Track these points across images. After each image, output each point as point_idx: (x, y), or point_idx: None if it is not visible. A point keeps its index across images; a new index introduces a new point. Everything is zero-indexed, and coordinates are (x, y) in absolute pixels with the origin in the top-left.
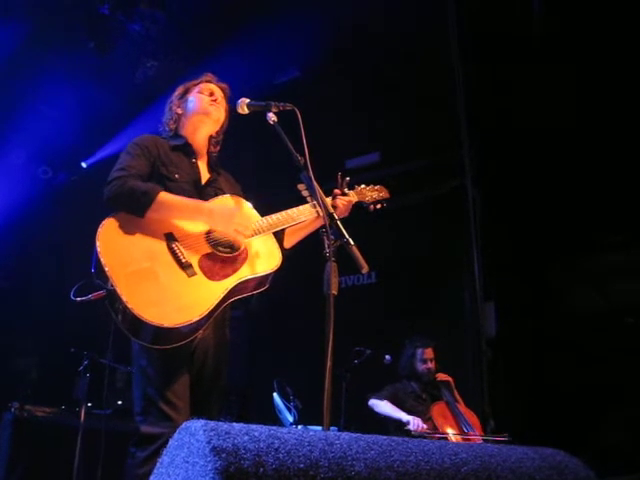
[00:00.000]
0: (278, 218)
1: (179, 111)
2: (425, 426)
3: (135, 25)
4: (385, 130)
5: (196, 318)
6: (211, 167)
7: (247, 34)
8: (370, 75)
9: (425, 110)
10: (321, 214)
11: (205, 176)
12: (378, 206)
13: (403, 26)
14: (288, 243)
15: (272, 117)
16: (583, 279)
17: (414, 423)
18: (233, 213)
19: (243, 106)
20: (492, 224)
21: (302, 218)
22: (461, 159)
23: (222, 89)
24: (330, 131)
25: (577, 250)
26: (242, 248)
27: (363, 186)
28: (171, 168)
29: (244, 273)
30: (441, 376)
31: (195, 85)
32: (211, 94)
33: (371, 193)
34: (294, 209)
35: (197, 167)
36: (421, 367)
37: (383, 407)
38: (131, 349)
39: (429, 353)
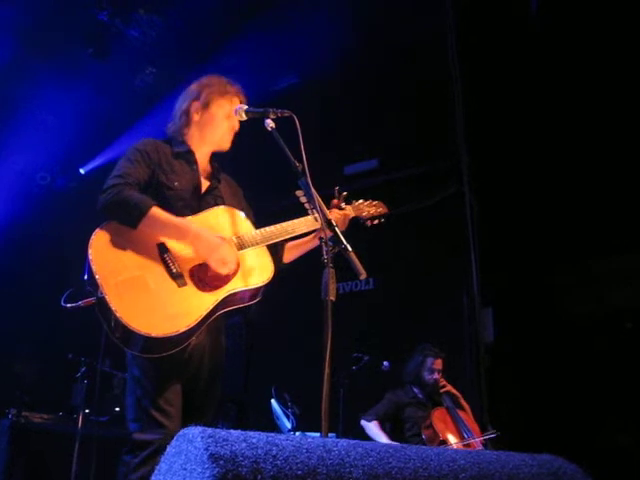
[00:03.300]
0: (272, 231)
1: (196, 118)
2: None
3: (133, 31)
4: (384, 137)
5: (183, 328)
6: (212, 174)
7: (246, 40)
8: (369, 82)
9: (423, 117)
10: (319, 220)
11: (205, 184)
12: (375, 222)
13: (402, 33)
14: (287, 258)
15: (270, 123)
16: (581, 284)
17: None
18: (219, 245)
19: (241, 112)
20: (490, 230)
21: (297, 231)
22: (459, 165)
23: (242, 102)
24: (329, 137)
25: (575, 255)
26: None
27: (361, 201)
28: (171, 176)
29: (235, 285)
30: (450, 388)
31: (220, 96)
32: (231, 117)
33: (369, 208)
34: (289, 222)
35: (198, 175)
36: (428, 376)
37: (370, 432)
38: (126, 356)
39: (438, 364)
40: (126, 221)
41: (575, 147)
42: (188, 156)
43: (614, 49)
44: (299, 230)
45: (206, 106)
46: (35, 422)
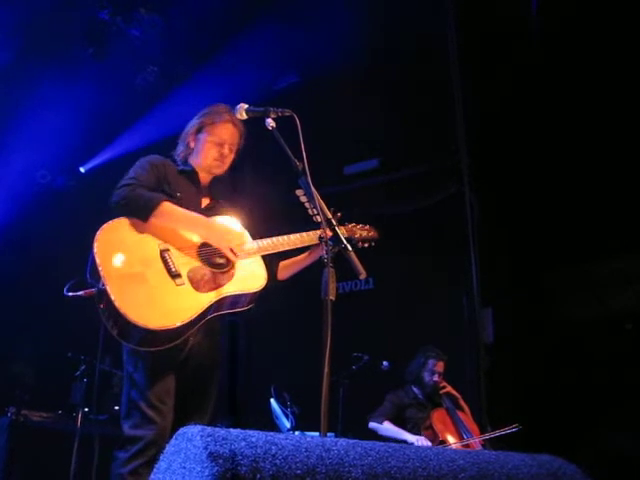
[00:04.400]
0: (267, 243)
1: (192, 145)
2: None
3: (135, 30)
4: (384, 136)
5: (178, 323)
6: (212, 194)
7: (246, 40)
8: (369, 81)
9: (424, 117)
10: (320, 220)
11: (205, 201)
12: (366, 244)
13: (402, 33)
14: (281, 275)
15: (271, 123)
16: (582, 285)
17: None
18: (229, 231)
19: (242, 112)
20: (490, 230)
21: (291, 246)
22: (459, 165)
23: (239, 132)
24: (329, 137)
25: (576, 256)
26: (230, 265)
27: (354, 224)
28: (174, 187)
29: (228, 289)
30: (449, 389)
31: (211, 124)
32: (222, 145)
33: (361, 231)
34: (284, 237)
35: (200, 192)
36: (428, 377)
37: (385, 431)
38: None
39: (440, 366)
40: (139, 213)
41: (575, 148)
42: (192, 174)
43: (614, 50)
44: (293, 244)
45: (198, 132)
46: (34, 420)
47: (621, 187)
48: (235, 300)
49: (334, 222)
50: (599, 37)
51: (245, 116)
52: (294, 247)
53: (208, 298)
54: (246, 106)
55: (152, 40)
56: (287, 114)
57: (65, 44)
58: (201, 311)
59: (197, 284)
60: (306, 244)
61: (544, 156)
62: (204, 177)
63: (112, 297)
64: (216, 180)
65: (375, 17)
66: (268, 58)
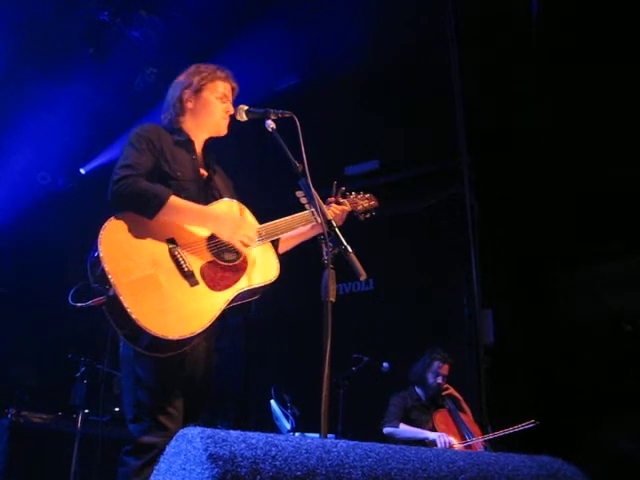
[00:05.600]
0: (276, 226)
1: (189, 105)
2: (453, 441)
3: (135, 32)
4: (384, 138)
5: (198, 330)
6: (208, 164)
7: (246, 41)
8: (369, 82)
9: (424, 118)
10: (319, 221)
11: (203, 174)
12: (368, 215)
13: (402, 33)
14: (282, 249)
15: (271, 124)
16: (581, 286)
17: (441, 442)
18: (239, 223)
19: (242, 113)
20: (490, 231)
21: (299, 226)
22: (459, 167)
23: (233, 89)
24: (329, 138)
25: (575, 256)
26: (242, 257)
27: (354, 194)
28: (173, 165)
29: (244, 284)
30: (452, 391)
31: (211, 82)
32: (224, 101)
33: (362, 202)
34: (292, 216)
35: (198, 165)
36: (432, 379)
37: (403, 433)
38: (120, 355)
39: (445, 369)
40: (144, 211)
41: (575, 148)
42: (187, 145)
43: (614, 49)
44: (301, 225)
45: (198, 92)
46: (34, 422)
47: (621, 187)
48: (249, 293)
49: (334, 224)
50: (599, 37)
51: (245, 117)
52: (301, 225)
53: (224, 297)
54: (246, 107)
55: (152, 41)
56: (287, 115)
57: (65, 45)
58: (219, 312)
59: (212, 282)
60: (313, 222)
61: (544, 156)
62: (199, 145)
63: (128, 308)
64: (207, 149)
65: (375, 18)
66: (268, 59)
